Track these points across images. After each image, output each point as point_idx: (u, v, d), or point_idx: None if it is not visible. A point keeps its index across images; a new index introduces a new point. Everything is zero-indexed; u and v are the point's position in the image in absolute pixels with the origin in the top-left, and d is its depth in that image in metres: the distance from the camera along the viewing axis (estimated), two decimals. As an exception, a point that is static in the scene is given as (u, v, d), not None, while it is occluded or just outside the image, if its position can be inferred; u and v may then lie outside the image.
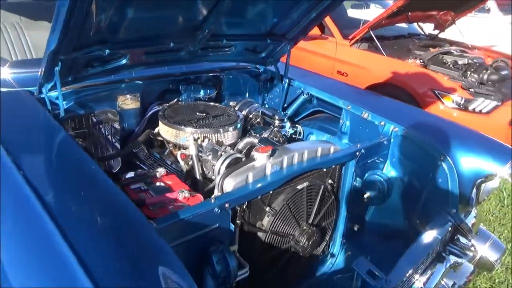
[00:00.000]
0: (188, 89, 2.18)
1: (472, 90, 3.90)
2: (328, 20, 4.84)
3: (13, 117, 1.50)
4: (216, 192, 1.43)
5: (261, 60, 2.39)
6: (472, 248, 1.99)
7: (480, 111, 3.84)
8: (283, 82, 2.44)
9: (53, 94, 1.68)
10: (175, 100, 2.14)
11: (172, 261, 0.96)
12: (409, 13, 4.71)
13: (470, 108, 3.82)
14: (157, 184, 1.50)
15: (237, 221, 1.42)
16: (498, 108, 3.85)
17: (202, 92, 2.23)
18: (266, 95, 2.60)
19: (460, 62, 4.33)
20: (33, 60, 2.36)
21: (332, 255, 2.02)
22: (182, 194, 1.38)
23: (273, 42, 2.23)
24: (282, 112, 2.40)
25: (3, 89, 1.74)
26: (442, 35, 5.55)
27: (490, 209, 3.49)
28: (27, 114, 1.57)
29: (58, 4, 1.27)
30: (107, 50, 1.60)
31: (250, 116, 2.28)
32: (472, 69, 4.14)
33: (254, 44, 2.23)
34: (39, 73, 1.54)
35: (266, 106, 2.58)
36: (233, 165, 1.52)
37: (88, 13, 1.34)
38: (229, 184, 1.41)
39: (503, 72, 4.09)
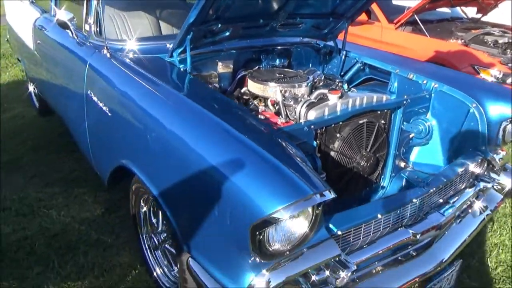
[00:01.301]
0: (267, 58, 2.78)
1: (511, 65, 4.23)
2: (374, 7, 5.29)
3: (160, 71, 2.17)
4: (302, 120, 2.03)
5: (323, 36, 2.94)
6: (500, 181, 2.45)
7: (518, 84, 4.18)
8: (340, 54, 2.99)
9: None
10: (257, 67, 2.75)
11: (289, 142, 1.59)
12: (452, -3, 5.08)
13: (508, 81, 4.16)
14: (260, 116, 2.11)
15: (317, 141, 2.00)
16: (536, 82, 4.17)
17: (277, 61, 2.83)
18: (325, 66, 3.15)
19: (500, 41, 4.64)
20: (144, 37, 3.02)
21: (383, 187, 2.55)
22: (280, 120, 1.99)
23: (334, 20, 2.78)
24: (340, 77, 2.95)
25: (130, 55, 2.42)
26: (485, 19, 5.80)
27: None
28: (168, 71, 2.23)
29: None
30: (219, 25, 2.22)
31: (315, 80, 2.83)
32: (512, 47, 4.46)
33: (319, 22, 2.78)
34: (175, 41, 2.18)
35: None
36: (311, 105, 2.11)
37: None
38: (312, 115, 2.00)
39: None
